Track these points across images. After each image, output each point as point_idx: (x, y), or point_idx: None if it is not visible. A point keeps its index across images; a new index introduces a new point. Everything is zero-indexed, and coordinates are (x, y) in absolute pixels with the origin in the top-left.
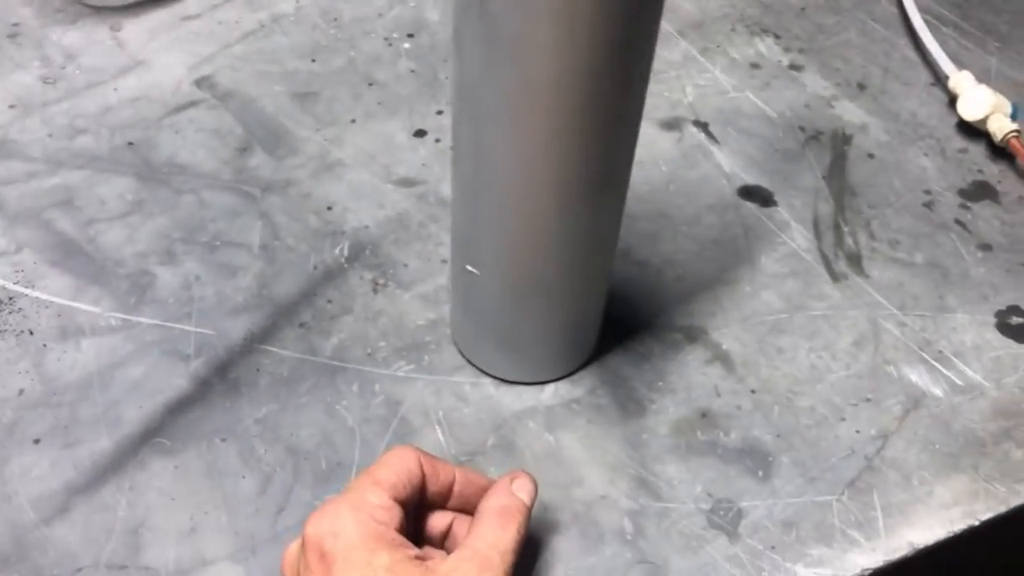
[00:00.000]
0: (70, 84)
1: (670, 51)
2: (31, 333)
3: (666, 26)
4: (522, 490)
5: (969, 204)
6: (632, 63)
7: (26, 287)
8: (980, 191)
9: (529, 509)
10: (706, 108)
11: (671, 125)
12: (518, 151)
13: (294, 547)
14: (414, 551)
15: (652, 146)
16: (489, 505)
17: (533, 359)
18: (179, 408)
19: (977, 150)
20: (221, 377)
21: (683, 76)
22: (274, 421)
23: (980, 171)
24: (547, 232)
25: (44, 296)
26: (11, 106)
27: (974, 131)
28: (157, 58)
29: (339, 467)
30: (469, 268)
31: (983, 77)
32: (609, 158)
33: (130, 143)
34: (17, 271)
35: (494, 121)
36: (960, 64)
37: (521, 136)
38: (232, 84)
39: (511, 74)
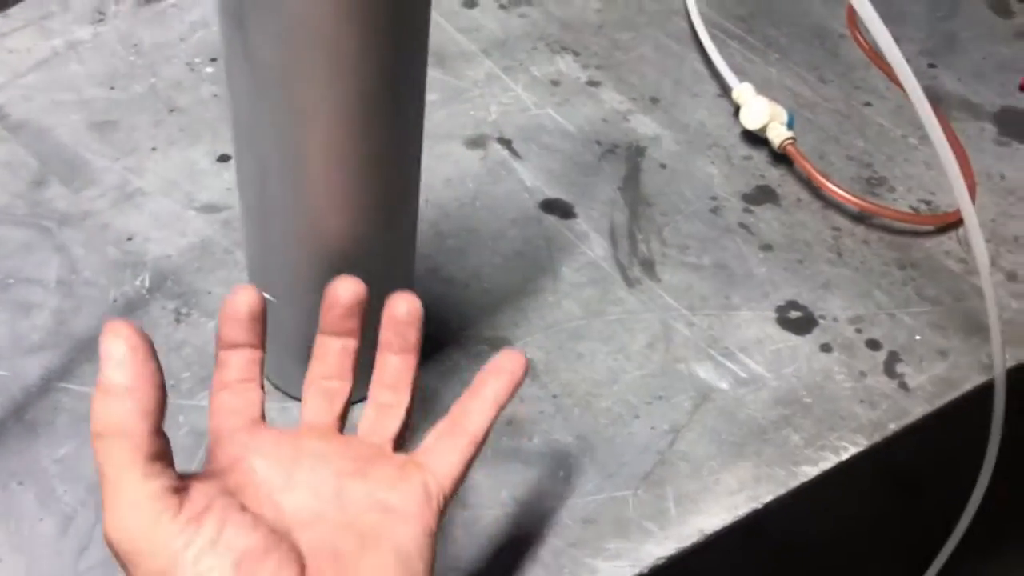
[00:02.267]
0: None
1: (474, 70)
2: None
3: (470, 45)
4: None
5: (752, 208)
6: (398, 91)
7: None
8: (762, 195)
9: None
10: (509, 125)
11: (476, 143)
12: (293, 180)
13: None
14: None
15: (458, 164)
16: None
17: None
18: None
19: (760, 156)
20: (17, 419)
21: (487, 94)
22: (74, 459)
23: (762, 176)
24: (335, 257)
25: None
26: None
27: (757, 139)
28: None
29: None
30: (266, 296)
31: (765, 87)
32: (387, 185)
33: None
34: None
35: (268, 151)
36: (744, 76)
37: (294, 165)
38: (24, 115)
39: (278, 103)
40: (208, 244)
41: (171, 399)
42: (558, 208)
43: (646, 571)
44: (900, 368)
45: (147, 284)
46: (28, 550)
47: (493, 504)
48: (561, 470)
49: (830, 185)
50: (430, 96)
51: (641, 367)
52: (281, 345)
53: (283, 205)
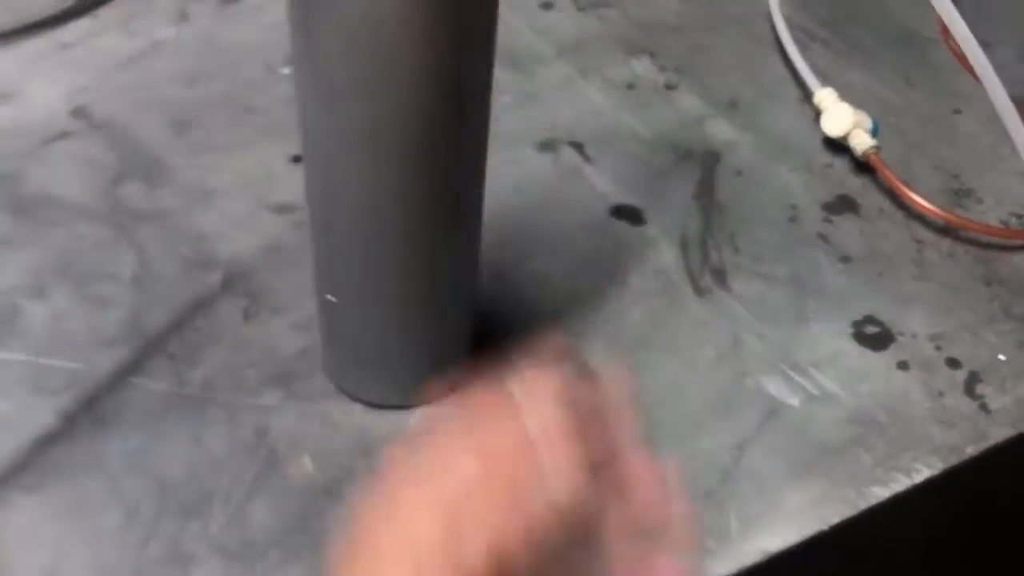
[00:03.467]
0: None
1: (548, 72)
2: None
3: (545, 47)
4: None
5: (832, 217)
6: (463, 102)
7: None
8: (843, 205)
9: None
10: (582, 129)
11: (547, 146)
12: (355, 187)
13: None
14: None
15: (528, 168)
16: None
17: (400, 383)
18: (45, 444)
19: (841, 164)
20: (88, 411)
21: (560, 97)
22: (140, 454)
23: (844, 185)
24: (396, 264)
25: None
26: None
27: (839, 146)
28: (32, 88)
29: (205, 498)
30: (328, 297)
31: (849, 92)
32: (451, 194)
33: (0, 176)
34: None
35: (332, 160)
36: (828, 80)
37: (364, 176)
38: (108, 113)
39: (342, 116)
40: (279, 244)
41: (234, 398)
42: (628, 214)
43: None
44: (981, 389)
45: (218, 282)
46: (92, 541)
47: None
48: None
49: (914, 196)
50: (503, 98)
51: (707, 380)
52: (342, 346)
53: (344, 213)
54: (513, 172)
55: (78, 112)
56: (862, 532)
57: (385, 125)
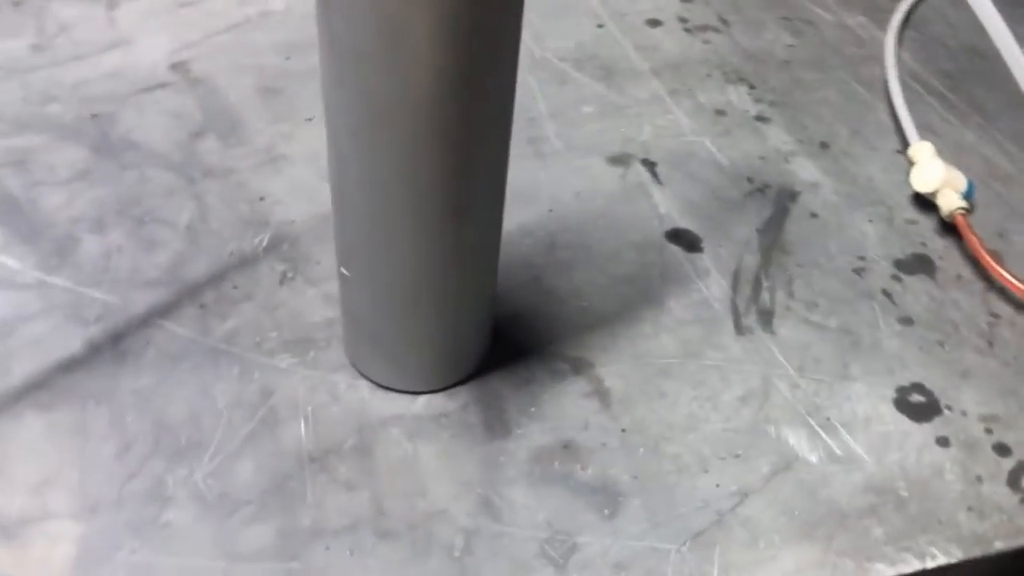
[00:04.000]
0: (56, 54)
1: (638, 88)
2: None
3: (642, 63)
4: None
5: (902, 276)
6: (482, 82)
7: None
8: (917, 264)
9: None
10: (659, 148)
11: (619, 160)
12: (370, 167)
13: None
14: None
15: (595, 179)
16: None
17: (407, 368)
18: (66, 368)
19: (927, 224)
20: (112, 345)
21: (644, 114)
22: (149, 393)
23: (924, 244)
24: (408, 244)
25: None
26: None
27: (929, 204)
28: (143, 39)
29: (197, 446)
30: (342, 270)
31: (957, 151)
32: (468, 178)
33: (94, 115)
34: None
35: (347, 136)
36: (937, 136)
37: (371, 154)
38: (205, 72)
39: (354, 91)
40: (330, 216)
41: (251, 355)
42: (685, 239)
43: None
44: None
45: (264, 244)
46: (84, 466)
47: (526, 524)
48: (607, 507)
49: (998, 267)
50: (585, 108)
51: (727, 420)
52: (352, 322)
53: (357, 191)
54: (578, 179)
55: (177, 67)
56: None
57: (396, 100)
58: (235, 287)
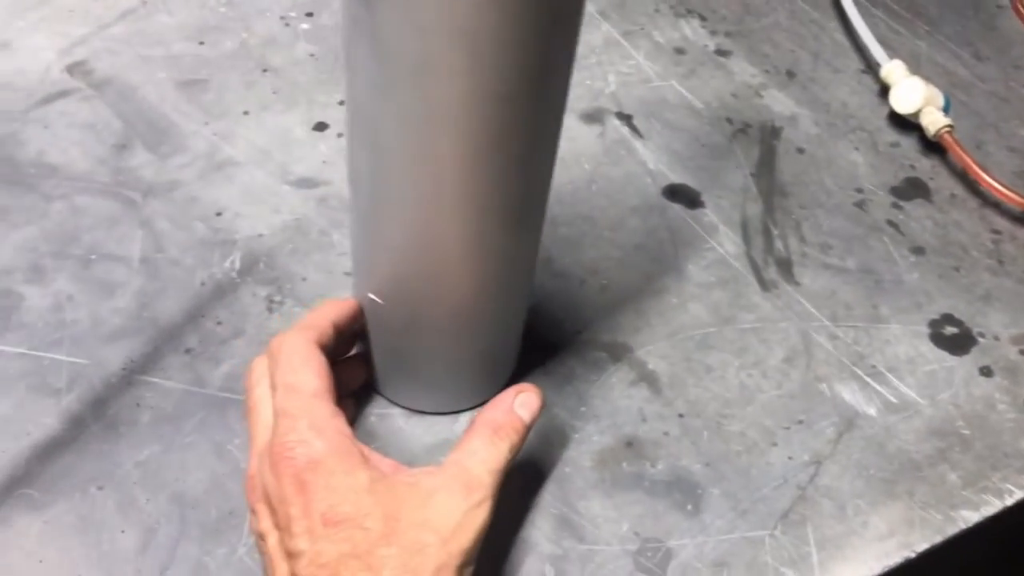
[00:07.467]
0: None
1: (591, 34)
2: None
3: (587, 6)
4: (524, 407)
5: (901, 203)
6: (546, 85)
7: None
8: (912, 189)
9: (528, 428)
10: (629, 98)
11: (593, 117)
12: (419, 180)
13: (258, 477)
14: (385, 463)
15: (574, 141)
16: (485, 418)
17: (445, 389)
18: (49, 452)
19: (909, 144)
20: (97, 414)
21: (605, 62)
22: (157, 465)
23: (912, 167)
24: (454, 263)
25: None
26: None
27: (905, 123)
28: (22, 40)
29: (231, 516)
30: (372, 296)
31: (913, 63)
32: (523, 185)
33: None
34: None
35: (392, 148)
36: (889, 48)
37: (422, 165)
38: (109, 70)
39: (409, 98)
40: (303, 223)
41: None
42: (684, 195)
43: None
44: None
45: (237, 266)
46: (107, 566)
47: (613, 539)
48: (689, 503)
49: (990, 181)
50: None
51: (779, 385)
52: (382, 349)
53: (399, 208)
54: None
55: (75, 68)
56: (947, 558)
57: (453, 111)
58: (219, 323)
